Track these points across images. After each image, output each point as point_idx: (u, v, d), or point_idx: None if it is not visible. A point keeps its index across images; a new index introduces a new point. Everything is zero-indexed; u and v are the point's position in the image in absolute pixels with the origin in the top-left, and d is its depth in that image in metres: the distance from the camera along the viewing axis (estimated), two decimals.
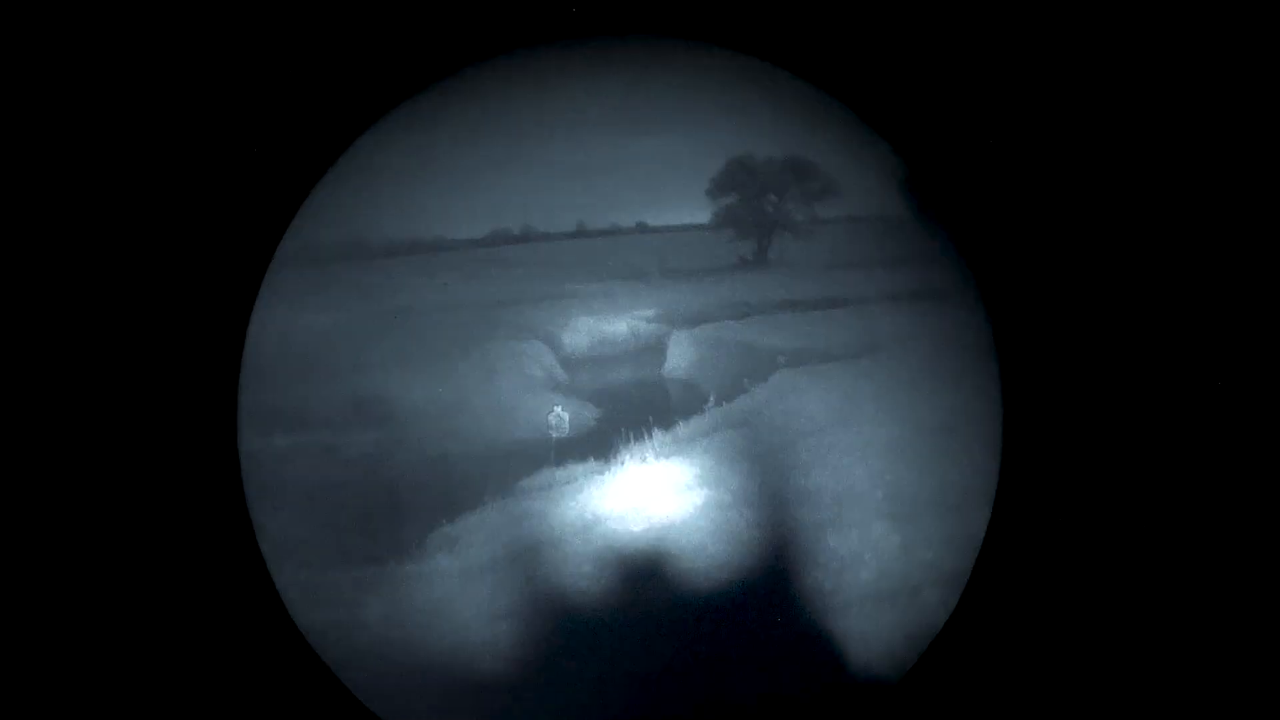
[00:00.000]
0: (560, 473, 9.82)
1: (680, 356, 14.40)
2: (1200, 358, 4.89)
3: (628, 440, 10.19)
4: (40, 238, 4.90)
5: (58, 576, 4.87)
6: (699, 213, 17.40)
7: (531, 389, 12.50)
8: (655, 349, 14.97)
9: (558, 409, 10.49)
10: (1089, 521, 5.02)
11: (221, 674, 5.01)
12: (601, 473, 9.38)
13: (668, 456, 9.20)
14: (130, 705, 4.89)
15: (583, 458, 10.07)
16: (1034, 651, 5.07)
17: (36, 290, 4.90)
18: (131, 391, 4.99)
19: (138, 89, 4.99)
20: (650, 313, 16.12)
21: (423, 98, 6.28)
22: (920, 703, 5.29)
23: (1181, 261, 4.92)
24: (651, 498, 8.54)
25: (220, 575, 5.10)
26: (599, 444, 10.65)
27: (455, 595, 7.25)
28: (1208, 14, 4.86)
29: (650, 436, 10.18)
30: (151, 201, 5.02)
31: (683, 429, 10.03)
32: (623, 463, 9.44)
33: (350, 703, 5.40)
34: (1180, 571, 4.93)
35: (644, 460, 9.30)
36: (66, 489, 4.90)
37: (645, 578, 7.43)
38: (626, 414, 11.18)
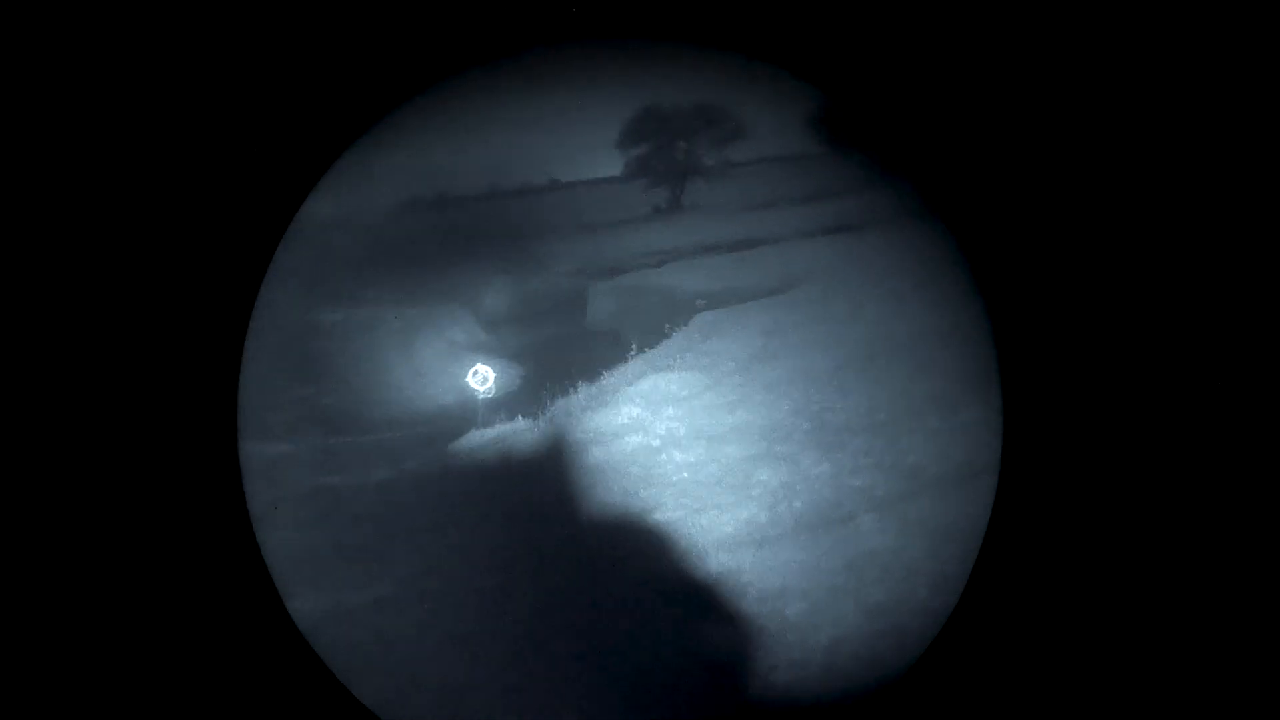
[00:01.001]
0: (489, 433, 9.76)
1: (601, 308, 14.40)
2: (1190, 348, 4.95)
3: (554, 395, 10.14)
4: (40, 237, 4.78)
5: (56, 574, 4.78)
6: (611, 165, 17.39)
7: (454, 353, 12.42)
8: (575, 303, 14.96)
9: (480, 367, 10.40)
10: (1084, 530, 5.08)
11: (218, 666, 4.96)
12: (530, 430, 9.34)
13: (593, 407, 9.19)
14: (130, 705, 4.82)
15: (510, 416, 10.00)
16: (1025, 646, 5.13)
17: (36, 290, 4.78)
18: (129, 388, 4.91)
19: (134, 89, 4.87)
20: (568, 267, 16.10)
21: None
22: (917, 701, 5.35)
23: (1151, 237, 4.96)
24: (579, 448, 8.53)
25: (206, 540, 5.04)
26: (526, 401, 10.61)
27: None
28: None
29: (576, 389, 10.15)
30: (146, 202, 4.92)
31: (607, 378, 10.02)
32: (551, 417, 9.40)
33: (351, 703, 5.38)
34: (1159, 557, 5.00)
35: (569, 414, 9.27)
36: (65, 488, 4.80)
37: (578, 528, 7.43)
38: (551, 369, 11.15)
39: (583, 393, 9.97)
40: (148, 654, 4.82)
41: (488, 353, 12.09)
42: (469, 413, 10.27)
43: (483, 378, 10.40)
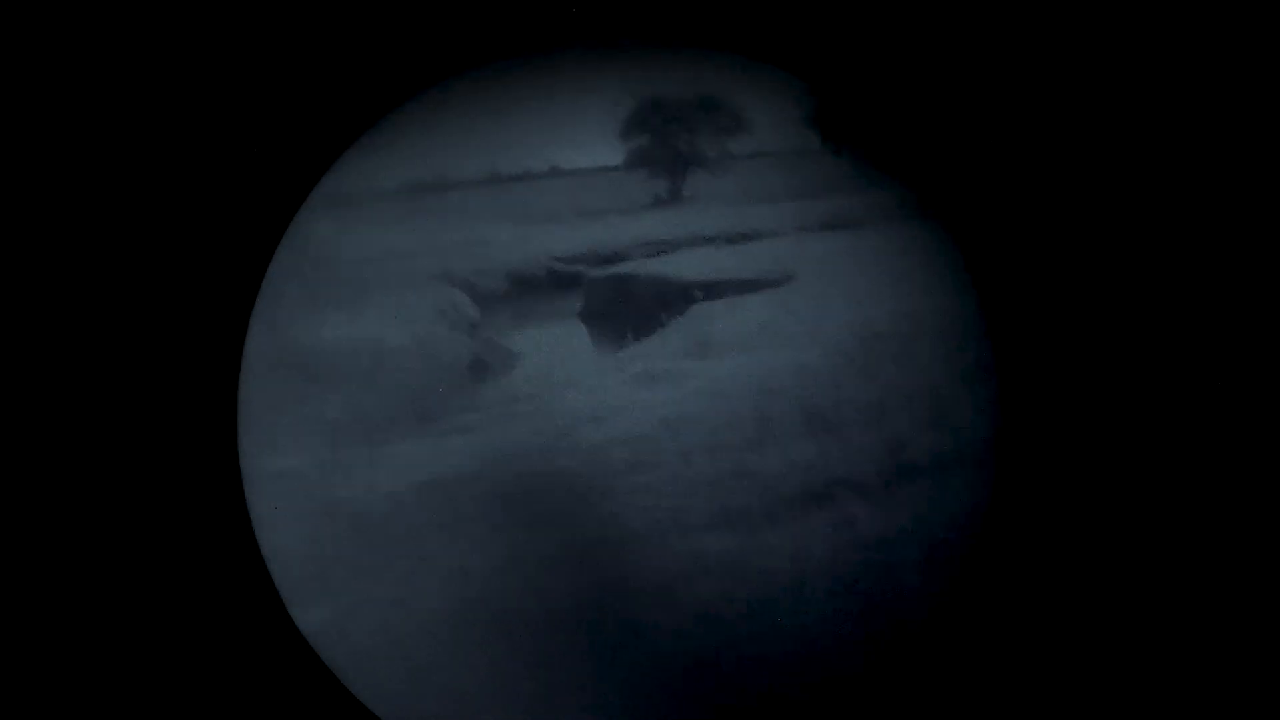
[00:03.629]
0: (486, 418, 9.79)
1: (598, 296, 14.44)
2: (1193, 351, 4.99)
3: (551, 381, 10.16)
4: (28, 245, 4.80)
5: (55, 575, 4.80)
6: (612, 154, 17.40)
7: (450, 334, 12.44)
8: (572, 289, 14.99)
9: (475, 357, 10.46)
10: (1082, 526, 5.13)
11: (221, 672, 4.99)
12: (525, 413, 9.37)
13: (589, 394, 9.24)
14: (130, 706, 4.86)
15: (508, 402, 10.01)
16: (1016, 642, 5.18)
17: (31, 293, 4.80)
18: (128, 392, 4.92)
19: (133, 89, 4.87)
20: (566, 254, 16.12)
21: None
22: (906, 694, 5.38)
23: (1149, 232, 5.01)
24: (574, 435, 8.57)
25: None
26: (522, 386, 10.63)
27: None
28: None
29: (572, 376, 10.17)
30: (142, 204, 4.93)
31: (603, 365, 10.06)
32: (547, 403, 9.43)
33: (351, 704, 5.41)
34: (1156, 559, 5.05)
35: (565, 400, 9.31)
36: (65, 487, 4.82)
37: (573, 513, 7.47)
38: (546, 356, 11.19)
39: (579, 379, 10.02)
40: (148, 660, 4.83)
41: (484, 337, 12.15)
42: (465, 399, 10.31)
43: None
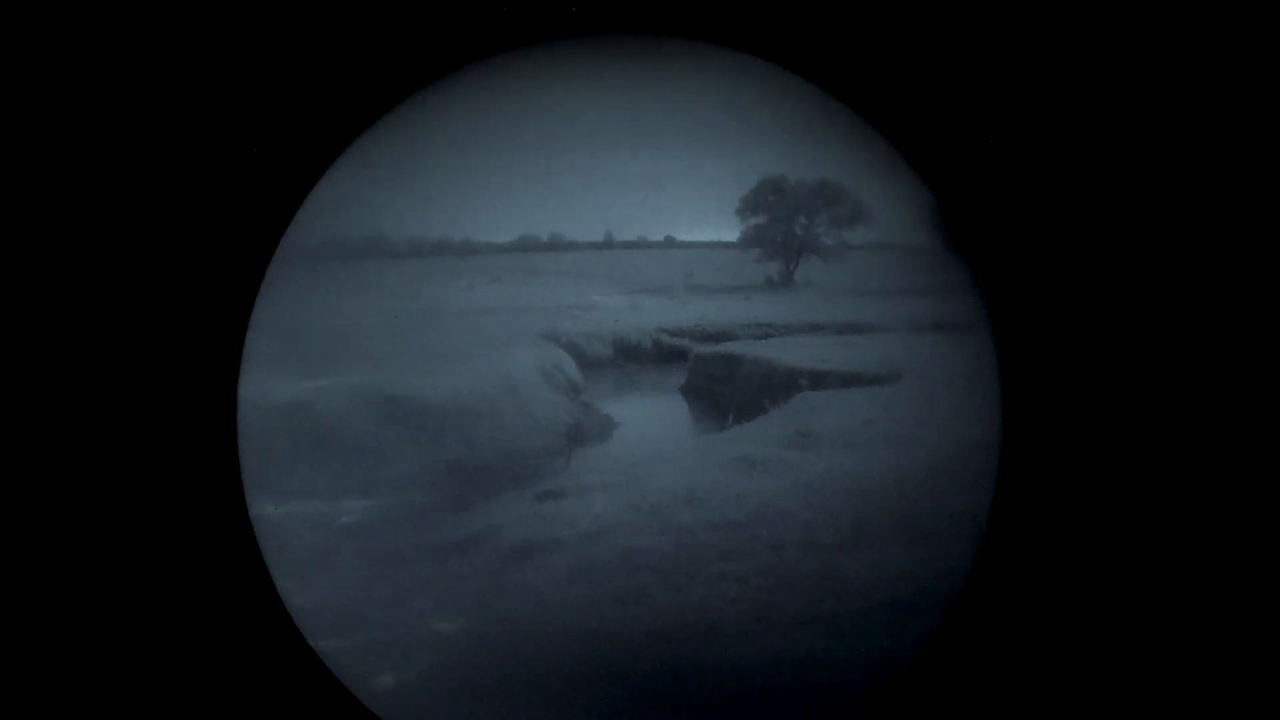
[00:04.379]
0: (577, 480, 9.86)
1: (701, 373, 14.50)
2: (1205, 374, 4.91)
3: (647, 453, 10.22)
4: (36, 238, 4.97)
5: (55, 576, 4.93)
6: (727, 230, 17.55)
7: (553, 396, 12.62)
8: (677, 363, 15.08)
9: (572, 422, 10.55)
10: (1088, 532, 5.05)
11: (220, 672, 5.07)
12: (620, 484, 9.41)
13: (686, 471, 9.25)
14: (129, 707, 4.95)
15: (602, 474, 10.08)
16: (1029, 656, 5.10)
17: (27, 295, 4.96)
18: (127, 394, 5.06)
19: (132, 89, 5.04)
20: (674, 327, 16.24)
21: (428, 95, 6.28)
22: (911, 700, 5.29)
23: (1191, 288, 4.94)
24: (668, 512, 8.58)
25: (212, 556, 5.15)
26: (614, 459, 10.70)
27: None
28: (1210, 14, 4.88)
29: (669, 452, 10.21)
30: (142, 203, 5.08)
31: (701, 443, 10.09)
32: (639, 476, 9.48)
33: (351, 704, 5.45)
34: (1180, 593, 4.94)
35: (659, 477, 9.33)
36: (64, 487, 4.96)
37: (655, 595, 7.47)
38: (645, 428, 11.26)
39: (674, 454, 10.04)
40: (147, 660, 4.89)
41: (586, 401, 12.28)
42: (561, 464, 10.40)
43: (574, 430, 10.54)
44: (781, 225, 17.03)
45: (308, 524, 8.39)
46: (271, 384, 9.96)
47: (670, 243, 18.61)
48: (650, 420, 11.71)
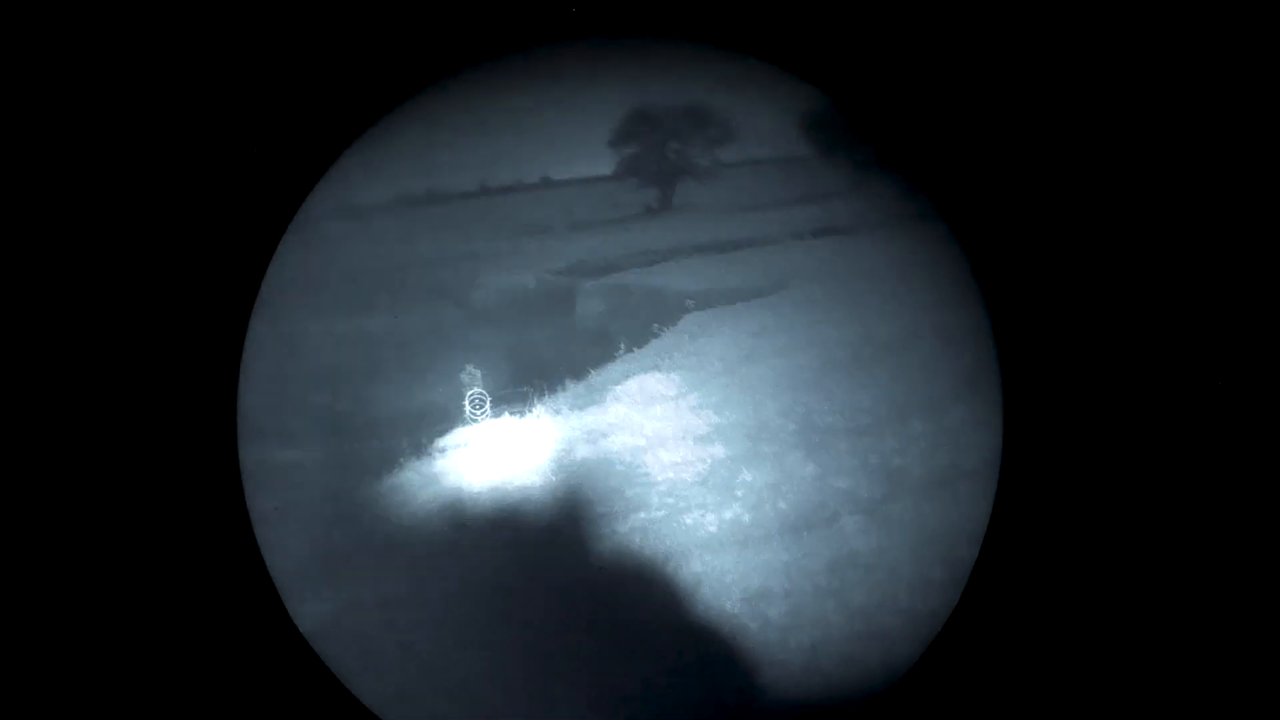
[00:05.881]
0: (477, 430, 9.73)
1: (590, 307, 14.40)
2: (1198, 356, 4.95)
3: (542, 393, 10.14)
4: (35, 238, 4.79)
5: (54, 578, 4.77)
6: (603, 164, 17.36)
7: (443, 350, 12.37)
8: (564, 301, 14.96)
9: (475, 389, 10.32)
10: (1088, 531, 5.08)
11: (220, 671, 4.94)
12: (517, 428, 9.31)
13: (581, 406, 9.17)
14: (130, 707, 4.81)
15: (498, 414, 9.97)
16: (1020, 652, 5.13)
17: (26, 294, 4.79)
18: (126, 395, 4.90)
19: (130, 89, 4.85)
20: (558, 265, 16.08)
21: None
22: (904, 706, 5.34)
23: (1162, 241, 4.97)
24: (567, 447, 8.50)
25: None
26: (513, 399, 10.58)
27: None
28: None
29: (564, 388, 10.15)
30: (142, 203, 4.91)
31: (595, 377, 10.02)
32: (537, 416, 9.39)
33: (351, 704, 5.36)
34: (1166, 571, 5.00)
35: (558, 412, 9.25)
36: (64, 487, 4.80)
37: (561, 525, 7.42)
38: (539, 368, 11.13)
39: (570, 391, 9.91)
40: (147, 662, 4.80)
41: (476, 350, 12.07)
42: (458, 411, 10.22)
43: (477, 400, 10.33)
44: (655, 152, 16.89)
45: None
46: None
47: (547, 183, 18.35)
48: (544, 360, 11.55)
